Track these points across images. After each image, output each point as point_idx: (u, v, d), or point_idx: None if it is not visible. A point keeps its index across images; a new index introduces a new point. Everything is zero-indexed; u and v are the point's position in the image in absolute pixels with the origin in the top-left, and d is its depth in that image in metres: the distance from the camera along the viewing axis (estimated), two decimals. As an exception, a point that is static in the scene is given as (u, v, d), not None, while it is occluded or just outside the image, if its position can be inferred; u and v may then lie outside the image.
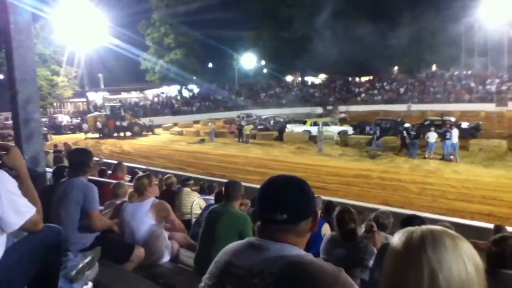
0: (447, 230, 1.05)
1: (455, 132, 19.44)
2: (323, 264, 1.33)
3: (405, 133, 21.88)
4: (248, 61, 62.12)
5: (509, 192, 13.10)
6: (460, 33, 50.95)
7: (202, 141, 30.34)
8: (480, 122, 27.49)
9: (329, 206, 6.59)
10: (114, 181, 6.00)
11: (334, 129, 27.97)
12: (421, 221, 3.63)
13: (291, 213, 1.40)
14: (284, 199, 1.41)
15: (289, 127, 30.10)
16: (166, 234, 4.59)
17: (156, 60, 54.98)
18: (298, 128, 29.42)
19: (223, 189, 4.19)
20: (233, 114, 46.00)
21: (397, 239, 1.07)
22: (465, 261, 0.99)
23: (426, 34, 48.80)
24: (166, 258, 4.46)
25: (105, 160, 11.48)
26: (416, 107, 44.70)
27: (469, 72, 53.40)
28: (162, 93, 60.24)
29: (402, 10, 51.50)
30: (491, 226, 6.79)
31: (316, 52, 52.80)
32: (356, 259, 3.85)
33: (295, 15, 56.79)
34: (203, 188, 9.35)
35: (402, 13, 51.48)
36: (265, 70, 66.16)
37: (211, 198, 7.04)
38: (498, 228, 5.25)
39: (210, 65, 63.22)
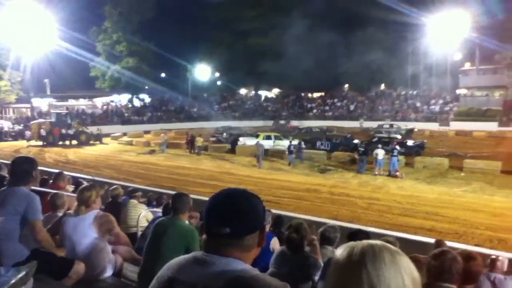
0: (387, 245, 1.07)
1: (395, 149, 20.33)
2: (268, 279, 1.31)
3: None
4: (202, 72, 61.82)
5: (449, 208, 13.70)
6: (408, 55, 53.57)
7: (153, 151, 29.69)
8: (425, 141, 28.78)
9: (278, 221, 6.54)
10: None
11: (286, 144, 28.27)
12: (366, 235, 3.68)
13: (235, 227, 1.38)
14: (227, 213, 1.40)
15: (242, 140, 30.12)
16: (109, 247, 4.38)
17: (107, 67, 53.48)
18: (250, 141, 29.51)
19: (170, 201, 4.06)
20: (185, 125, 45.50)
21: (339, 253, 1.08)
22: (403, 275, 1.01)
23: (376, 54, 50.80)
24: (108, 272, 4.25)
25: (48, 170, 10.94)
26: (366, 124, 46.31)
27: (415, 92, 56.09)
28: (112, 101, 58.59)
29: (354, 30, 53.46)
30: (432, 240, 7.01)
31: (270, 67, 53.56)
32: (304, 273, 3.84)
33: (251, 29, 57.41)
34: (151, 200, 9.08)
35: (354, 33, 53.45)
36: (219, 82, 66.15)
37: (159, 210, 6.85)
38: (439, 243, 5.41)
39: (163, 75, 62.28)
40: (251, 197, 1.46)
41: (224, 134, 34.03)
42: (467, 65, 54.43)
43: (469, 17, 45.72)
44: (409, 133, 27.43)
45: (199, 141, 28.62)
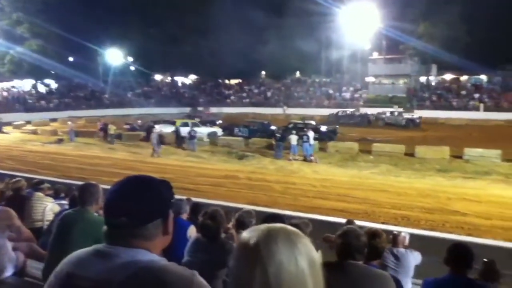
0: (285, 227, 1.09)
1: (311, 135, 20.97)
2: (176, 269, 1.28)
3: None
4: (115, 57, 58.78)
5: (359, 189, 14.52)
6: (321, 44, 55.60)
7: (61, 141, 27.82)
8: (337, 126, 30.17)
9: (196, 208, 6.46)
10: None
11: (204, 130, 28.10)
12: (280, 219, 3.72)
13: (131, 216, 1.32)
14: (123, 202, 1.34)
15: (158, 128, 29.33)
16: (9, 245, 4.02)
17: (6, 49, 48.88)
18: (167, 129, 28.88)
19: (77, 192, 3.80)
20: (97, 112, 43.31)
21: (241, 237, 1.10)
22: (297, 257, 1.03)
23: (291, 42, 52.04)
24: (9, 272, 3.90)
25: None
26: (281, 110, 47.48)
27: (328, 79, 58.57)
28: (13, 87, 53.80)
29: (271, 18, 54.14)
30: (344, 220, 7.37)
31: (186, 52, 52.58)
32: (220, 260, 3.81)
33: (165, 14, 55.76)
34: (59, 193, 8.51)
35: (271, 21, 54.13)
36: (133, 68, 63.60)
37: (67, 203, 6.44)
38: (349, 222, 5.70)
39: (71, 59, 58.25)
40: (150, 184, 1.40)
41: (139, 121, 32.96)
42: (375, 55, 57.89)
43: (377, 9, 48.49)
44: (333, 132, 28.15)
45: (112, 129, 27.40)
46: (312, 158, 20.45)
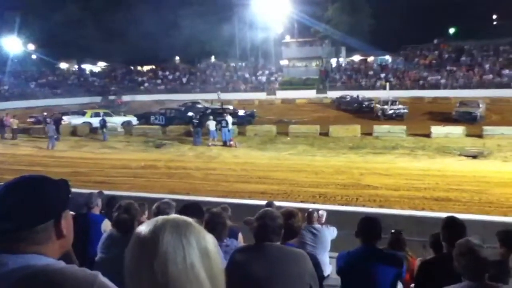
0: (175, 219, 1.09)
1: (229, 119, 20.99)
2: (74, 271, 1.19)
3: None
4: (13, 45, 53.64)
5: (278, 171, 14.88)
6: (235, 27, 55.50)
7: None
8: (255, 110, 30.49)
9: (111, 201, 6.16)
10: None
11: (117, 120, 26.95)
12: (195, 208, 3.58)
13: (15, 219, 1.23)
14: (4, 205, 1.24)
15: (66, 119, 27.64)
16: None
17: None
18: (76, 120, 27.29)
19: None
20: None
21: (136, 230, 1.11)
22: (185, 248, 1.02)
23: (204, 26, 51.24)
24: None
25: None
26: (200, 96, 46.70)
27: (244, 64, 58.80)
28: None
29: (182, 2, 52.82)
30: (264, 202, 7.44)
31: (94, 38, 49.75)
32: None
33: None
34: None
35: (182, 5, 52.79)
36: (34, 56, 58.81)
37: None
38: (268, 204, 5.72)
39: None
40: (37, 183, 1.30)
41: (45, 113, 30.74)
42: (288, 38, 59.14)
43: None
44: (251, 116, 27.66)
45: (14, 123, 25.23)
46: (231, 142, 20.49)
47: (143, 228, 1.07)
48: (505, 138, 19.09)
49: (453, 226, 3.20)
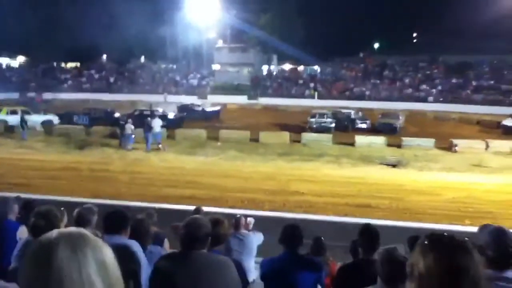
0: (71, 232, 1.05)
1: (157, 122, 20.49)
2: None
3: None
4: None
5: (208, 176, 14.82)
6: (167, 29, 54.52)
7: None
8: (185, 113, 30.07)
9: (28, 206, 5.79)
10: None
11: (36, 119, 25.33)
12: (121, 215, 3.43)
13: None
14: None
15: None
16: None
17: None
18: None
19: None
20: None
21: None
22: (80, 262, 0.99)
23: (135, 26, 49.79)
24: None
25: None
26: (128, 97, 45.31)
27: (174, 66, 57.92)
28: None
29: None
30: (192, 208, 7.37)
31: (12, 31, 46.39)
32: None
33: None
34: None
35: (112, 3, 50.83)
36: None
37: None
38: (197, 210, 5.69)
39: None
40: None
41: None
42: (220, 43, 59.23)
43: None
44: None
45: None
46: (160, 146, 20.05)
47: (37, 244, 1.02)
48: (421, 149, 20.54)
49: (368, 234, 3.41)
